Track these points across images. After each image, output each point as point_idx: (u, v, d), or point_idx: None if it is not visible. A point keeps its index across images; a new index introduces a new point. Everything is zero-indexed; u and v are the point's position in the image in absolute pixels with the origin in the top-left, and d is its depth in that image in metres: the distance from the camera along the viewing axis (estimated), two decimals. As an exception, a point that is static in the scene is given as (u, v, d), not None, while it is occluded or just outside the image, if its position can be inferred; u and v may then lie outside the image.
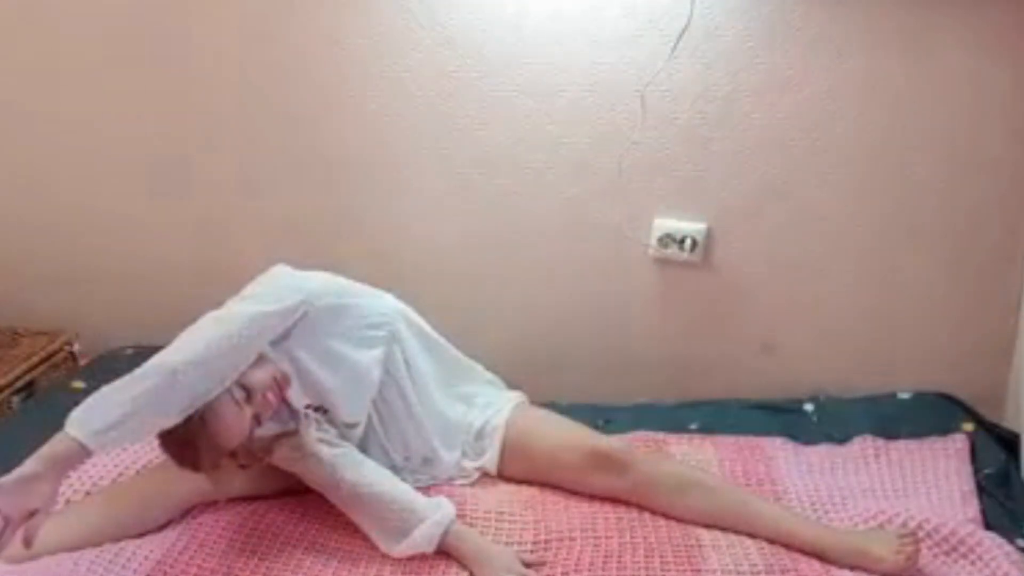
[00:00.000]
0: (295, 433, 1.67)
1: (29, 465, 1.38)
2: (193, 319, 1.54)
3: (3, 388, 2.11)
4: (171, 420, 1.45)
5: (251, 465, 1.66)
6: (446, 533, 1.64)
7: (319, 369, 1.67)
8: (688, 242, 2.13)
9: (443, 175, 2.17)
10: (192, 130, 2.25)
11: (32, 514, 1.37)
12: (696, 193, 2.11)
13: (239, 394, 1.53)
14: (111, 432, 1.40)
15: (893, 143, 2.02)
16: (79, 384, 2.10)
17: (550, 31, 2.04)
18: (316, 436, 1.69)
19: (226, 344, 1.50)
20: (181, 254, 2.34)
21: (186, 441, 1.50)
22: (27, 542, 1.37)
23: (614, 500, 1.77)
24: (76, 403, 1.95)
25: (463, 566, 1.62)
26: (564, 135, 2.11)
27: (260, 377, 1.56)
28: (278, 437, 1.67)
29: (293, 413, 1.68)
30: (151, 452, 1.86)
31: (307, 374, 1.67)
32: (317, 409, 1.72)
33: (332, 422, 1.73)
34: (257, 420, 1.57)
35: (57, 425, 1.88)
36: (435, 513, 1.65)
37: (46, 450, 1.39)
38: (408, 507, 1.65)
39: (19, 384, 2.15)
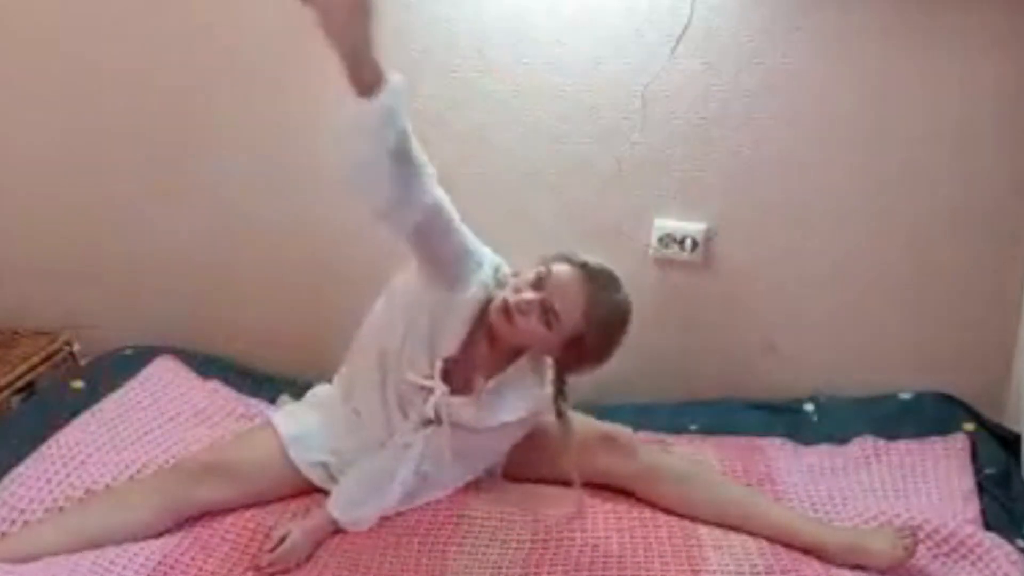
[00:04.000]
0: None
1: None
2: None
3: (3, 388, 2.10)
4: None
5: None
6: None
7: None
8: (688, 242, 2.13)
9: (443, 175, 2.17)
10: (193, 130, 2.25)
11: None
12: (696, 193, 2.11)
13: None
14: None
15: (893, 144, 2.01)
16: (79, 384, 2.09)
17: (550, 30, 2.04)
18: None
19: None
20: (181, 254, 2.34)
21: None
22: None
23: (615, 493, 1.78)
24: (76, 403, 1.99)
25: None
26: (564, 135, 2.11)
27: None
28: None
29: None
30: (151, 452, 1.87)
31: None
32: None
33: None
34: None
35: (57, 425, 1.90)
36: None
37: None
38: None
39: (19, 384, 2.14)
